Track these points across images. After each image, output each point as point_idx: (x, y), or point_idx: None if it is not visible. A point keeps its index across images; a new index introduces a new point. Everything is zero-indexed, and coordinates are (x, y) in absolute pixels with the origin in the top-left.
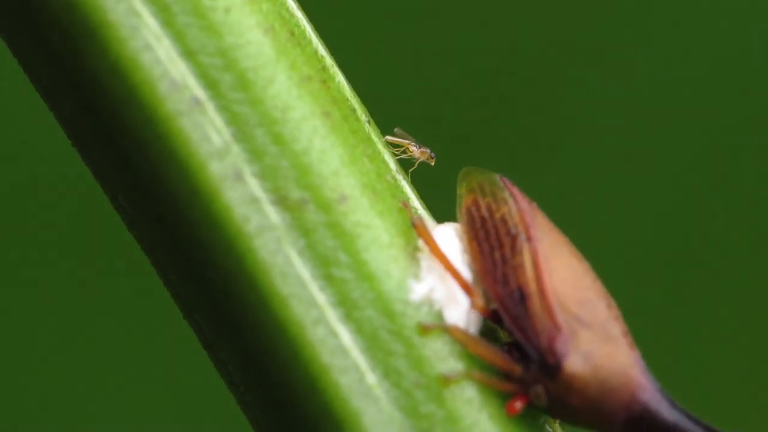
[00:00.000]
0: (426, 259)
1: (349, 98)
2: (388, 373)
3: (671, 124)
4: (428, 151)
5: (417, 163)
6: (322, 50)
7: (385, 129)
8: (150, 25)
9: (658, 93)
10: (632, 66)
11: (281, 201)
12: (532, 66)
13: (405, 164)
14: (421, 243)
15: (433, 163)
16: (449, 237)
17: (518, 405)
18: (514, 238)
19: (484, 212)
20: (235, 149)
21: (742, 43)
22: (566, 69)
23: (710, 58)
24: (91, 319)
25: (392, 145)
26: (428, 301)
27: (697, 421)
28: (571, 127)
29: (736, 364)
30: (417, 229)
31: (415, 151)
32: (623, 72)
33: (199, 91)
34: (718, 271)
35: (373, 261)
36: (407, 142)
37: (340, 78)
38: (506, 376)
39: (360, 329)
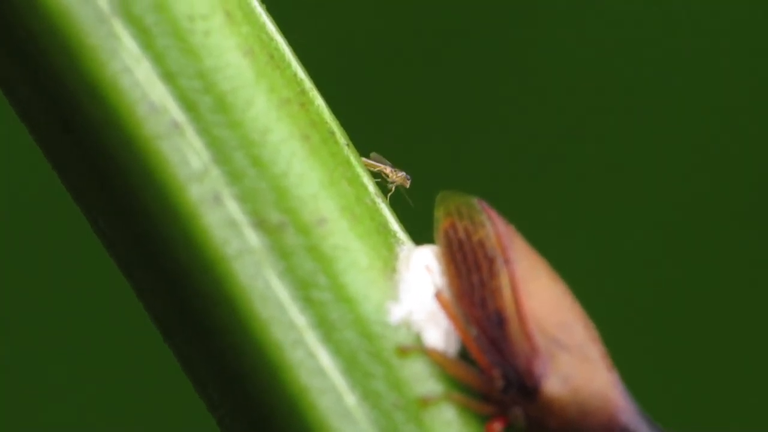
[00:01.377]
0: (404, 281)
1: (328, 121)
2: (367, 394)
3: (663, 128)
4: (404, 174)
5: (393, 186)
6: (301, 73)
7: (363, 152)
8: (129, 48)
9: (648, 99)
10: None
11: (260, 224)
12: (522, 87)
13: (384, 188)
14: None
15: (408, 186)
16: (427, 259)
17: (497, 427)
18: (491, 261)
19: (462, 235)
20: (215, 172)
21: (731, 42)
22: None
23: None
24: (72, 341)
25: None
26: (407, 323)
27: None
28: (555, 145)
29: (723, 377)
30: (440, 300)
31: (391, 173)
32: (616, 84)
33: (178, 114)
34: (707, 277)
35: (352, 283)
36: (383, 165)
37: (319, 101)
38: (485, 398)
39: (339, 351)
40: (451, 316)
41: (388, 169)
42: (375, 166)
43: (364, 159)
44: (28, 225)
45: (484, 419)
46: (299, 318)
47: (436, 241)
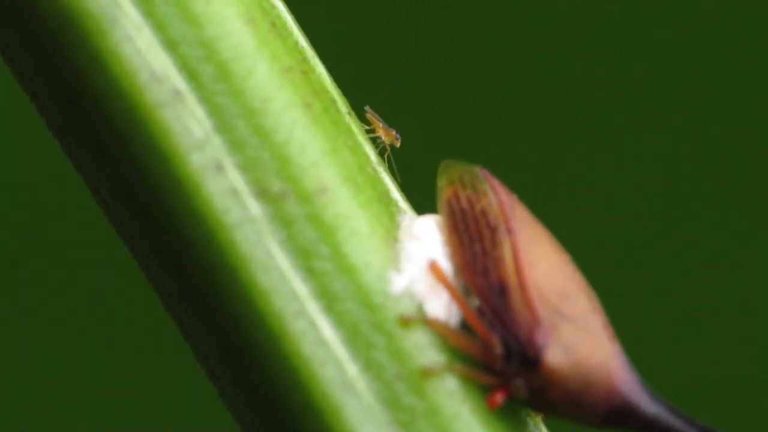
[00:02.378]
0: (406, 251)
1: (330, 90)
2: (368, 365)
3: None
4: (394, 132)
5: (382, 144)
6: (302, 41)
7: (364, 118)
8: (131, 15)
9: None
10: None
11: (262, 193)
12: (520, 60)
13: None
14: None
15: (398, 145)
16: (430, 229)
17: (499, 398)
18: (494, 231)
19: (465, 204)
20: (216, 140)
21: (714, 43)
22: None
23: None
24: (75, 316)
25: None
26: (409, 293)
27: (677, 414)
28: (557, 120)
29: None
30: (434, 271)
31: (382, 131)
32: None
33: (179, 82)
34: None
35: (354, 253)
36: (376, 121)
37: (320, 69)
38: (487, 368)
39: (341, 321)
40: (447, 286)
41: (380, 126)
42: (375, 122)
43: (367, 108)
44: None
45: (486, 390)
46: (301, 288)
47: (439, 210)
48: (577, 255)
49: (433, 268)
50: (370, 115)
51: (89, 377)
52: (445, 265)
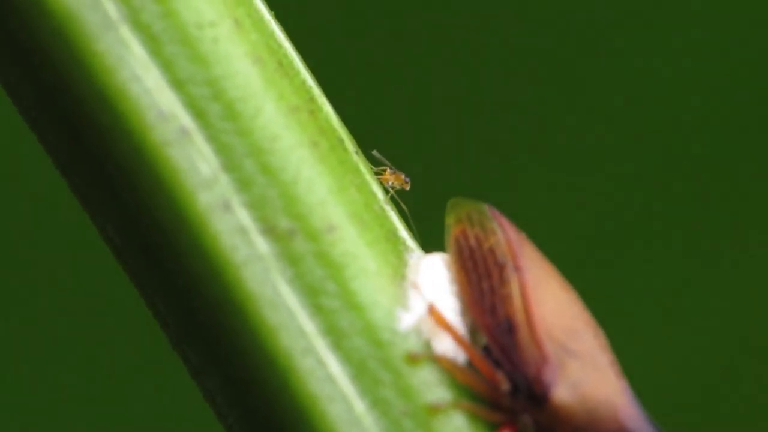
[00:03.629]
0: (414, 288)
1: (337, 128)
2: (376, 402)
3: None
4: (403, 175)
5: (391, 186)
6: (310, 81)
7: (372, 160)
8: (138, 55)
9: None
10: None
11: (270, 231)
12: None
13: (398, 194)
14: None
15: (407, 188)
16: (437, 267)
17: None
18: (502, 268)
19: (473, 242)
20: (224, 179)
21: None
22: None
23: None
24: (78, 347)
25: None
26: (416, 331)
27: None
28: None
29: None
30: (434, 315)
31: (390, 175)
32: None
33: (187, 121)
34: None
35: (361, 290)
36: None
37: (327, 108)
38: (494, 405)
39: (348, 358)
40: (447, 328)
41: (387, 171)
42: (380, 161)
43: (375, 152)
44: (34, 231)
45: (493, 427)
46: (308, 325)
47: (447, 248)
48: (584, 293)
49: (432, 311)
50: (378, 159)
51: (89, 377)
52: (453, 303)
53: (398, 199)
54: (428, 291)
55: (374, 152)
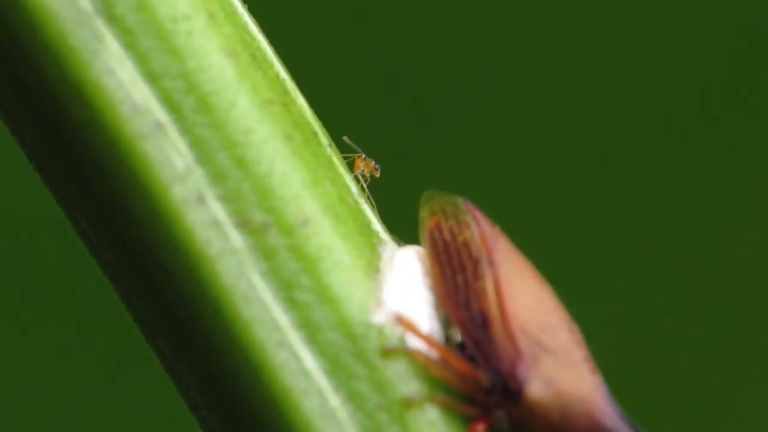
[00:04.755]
0: (388, 282)
1: (311, 121)
2: (351, 395)
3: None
4: (373, 162)
5: (361, 172)
6: (283, 73)
7: (343, 147)
8: (112, 49)
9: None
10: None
11: (244, 224)
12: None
13: (370, 189)
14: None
15: (378, 175)
16: (411, 260)
17: (480, 428)
18: (476, 262)
19: (447, 235)
20: (198, 172)
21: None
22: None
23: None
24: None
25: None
26: (390, 324)
27: None
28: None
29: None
30: (402, 323)
31: (360, 161)
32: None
33: (161, 115)
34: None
35: (336, 284)
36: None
37: (301, 101)
38: (469, 399)
39: (323, 352)
40: (419, 335)
41: (358, 157)
42: (351, 147)
43: (346, 138)
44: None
45: (467, 420)
46: (283, 318)
47: (422, 241)
48: (559, 287)
49: (401, 321)
50: (348, 145)
51: (88, 377)
52: (427, 296)
53: (367, 192)
54: (402, 284)
55: (345, 138)
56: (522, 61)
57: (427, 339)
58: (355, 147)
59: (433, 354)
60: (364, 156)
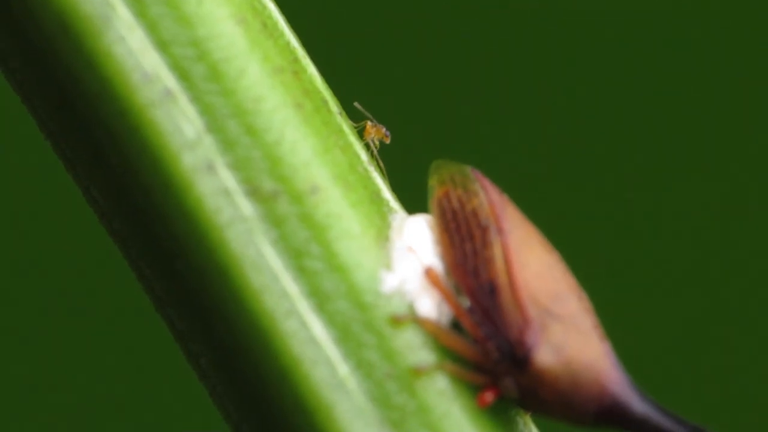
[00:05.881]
0: (397, 250)
1: (321, 90)
2: (359, 364)
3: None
4: (384, 128)
5: (371, 139)
6: (294, 42)
7: (356, 120)
8: (123, 16)
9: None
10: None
11: (253, 192)
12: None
13: (381, 156)
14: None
15: (388, 141)
16: (421, 228)
17: (489, 397)
18: (485, 231)
19: (456, 204)
20: (207, 140)
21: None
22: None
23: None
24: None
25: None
26: (400, 293)
27: (667, 414)
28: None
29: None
30: (430, 277)
31: (371, 128)
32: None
33: (171, 82)
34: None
35: (345, 252)
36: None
37: (311, 69)
38: (477, 368)
39: (332, 321)
40: (443, 292)
41: (368, 123)
42: (365, 118)
43: (357, 104)
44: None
45: (476, 390)
46: (292, 287)
47: (430, 209)
48: (567, 255)
49: (429, 273)
50: (359, 111)
51: (88, 377)
52: (437, 264)
53: (378, 159)
54: (412, 252)
55: (356, 104)
56: (537, 30)
57: (446, 293)
58: (366, 113)
59: (443, 321)
60: (374, 122)
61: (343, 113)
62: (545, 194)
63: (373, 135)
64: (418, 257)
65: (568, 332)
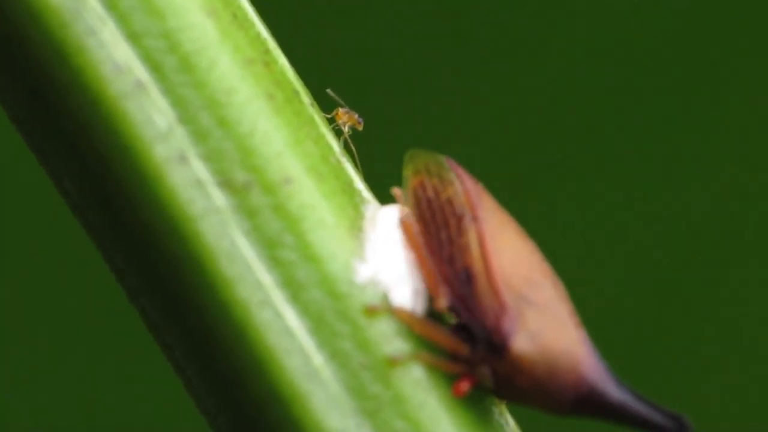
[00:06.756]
0: (371, 240)
1: (292, 81)
2: (334, 354)
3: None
4: (356, 115)
5: (345, 126)
6: (264, 33)
7: (328, 111)
8: (94, 8)
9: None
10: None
11: (226, 183)
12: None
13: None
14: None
15: (360, 128)
16: (394, 218)
17: (465, 386)
18: (460, 219)
19: (431, 193)
20: (180, 131)
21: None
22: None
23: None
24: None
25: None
26: (373, 283)
27: (643, 401)
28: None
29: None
30: (405, 228)
31: (343, 114)
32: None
33: (142, 74)
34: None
35: (319, 242)
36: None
37: (282, 60)
38: (453, 357)
39: (306, 311)
40: (414, 245)
41: (340, 109)
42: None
43: (329, 91)
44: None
45: (452, 379)
46: (266, 277)
47: (405, 199)
48: (542, 244)
49: (404, 224)
50: (331, 98)
51: (87, 377)
52: (410, 254)
53: (352, 148)
54: (385, 243)
55: (328, 90)
56: (508, 11)
57: (416, 245)
58: (339, 100)
59: (417, 311)
60: (347, 109)
61: (315, 104)
62: (520, 184)
63: (345, 120)
64: (396, 243)
65: (545, 319)
